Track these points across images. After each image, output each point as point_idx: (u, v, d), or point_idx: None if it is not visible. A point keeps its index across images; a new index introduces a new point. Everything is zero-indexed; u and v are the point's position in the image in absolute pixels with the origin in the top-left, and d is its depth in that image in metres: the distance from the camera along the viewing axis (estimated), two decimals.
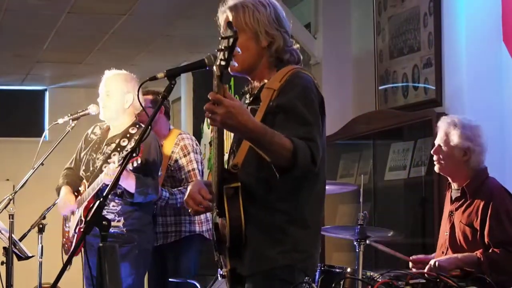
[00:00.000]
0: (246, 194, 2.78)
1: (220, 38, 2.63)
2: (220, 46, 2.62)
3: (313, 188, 2.89)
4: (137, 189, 4.51)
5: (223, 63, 2.60)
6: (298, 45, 3.04)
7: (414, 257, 4.22)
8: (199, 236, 5.33)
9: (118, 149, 4.63)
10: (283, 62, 2.94)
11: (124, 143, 4.65)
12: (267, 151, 2.70)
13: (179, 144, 5.31)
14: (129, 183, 4.51)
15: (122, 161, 4.24)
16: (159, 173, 4.87)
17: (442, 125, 4.13)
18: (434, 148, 4.14)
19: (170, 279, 5.19)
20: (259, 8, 2.93)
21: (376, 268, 4.66)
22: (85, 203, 4.60)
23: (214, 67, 2.64)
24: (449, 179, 4.19)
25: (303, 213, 2.86)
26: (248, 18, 2.90)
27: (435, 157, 4.13)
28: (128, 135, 4.66)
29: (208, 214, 5.41)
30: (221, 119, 2.60)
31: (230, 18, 2.91)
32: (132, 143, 4.62)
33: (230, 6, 2.94)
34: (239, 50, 2.66)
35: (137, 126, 4.71)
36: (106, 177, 4.41)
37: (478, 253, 3.90)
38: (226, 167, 2.79)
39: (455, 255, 3.97)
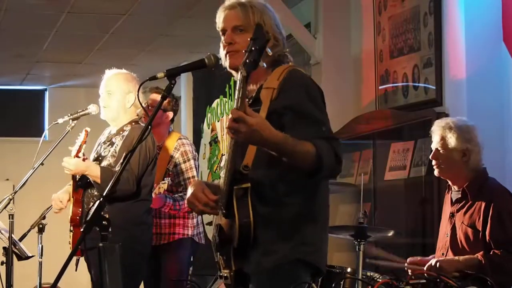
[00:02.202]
0: (256, 192, 2.80)
1: (249, 39, 2.63)
2: (249, 48, 2.63)
3: (319, 183, 2.90)
4: (103, 181, 4.43)
5: (251, 63, 2.61)
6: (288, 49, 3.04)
7: (410, 259, 4.19)
8: (191, 239, 5.37)
9: (110, 146, 4.64)
10: (276, 62, 2.95)
11: (115, 139, 4.64)
12: (291, 159, 2.74)
13: (179, 149, 5.32)
14: (92, 173, 4.48)
15: (122, 161, 4.24)
16: (165, 180, 4.86)
17: (437, 129, 4.14)
18: (432, 153, 4.15)
19: (169, 279, 5.20)
20: (265, 11, 2.95)
21: (376, 268, 4.66)
22: (71, 198, 4.60)
23: (240, 68, 2.64)
24: (448, 181, 4.20)
25: (311, 207, 2.87)
26: (258, 18, 2.90)
27: (434, 162, 4.14)
28: (121, 132, 4.65)
29: (199, 218, 5.46)
30: (245, 136, 2.64)
31: (240, 15, 2.90)
32: (121, 139, 4.59)
33: (239, 3, 2.94)
34: (269, 51, 2.67)
35: (133, 123, 4.68)
36: (66, 171, 4.51)
37: (479, 255, 3.89)
38: (237, 168, 2.79)
39: (457, 257, 3.96)
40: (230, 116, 2.65)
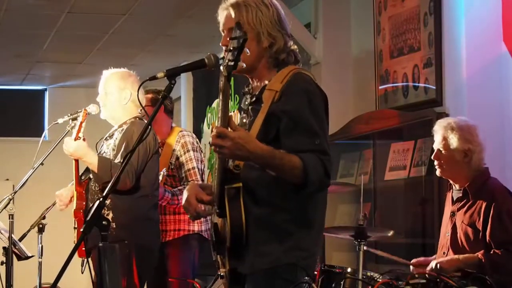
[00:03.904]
0: (249, 193, 2.79)
1: (229, 39, 2.64)
2: (229, 47, 2.64)
3: None
4: (100, 169, 4.43)
5: (231, 63, 2.62)
6: (295, 46, 3.03)
7: (414, 260, 4.20)
8: (198, 235, 5.33)
9: (110, 139, 4.65)
10: (281, 62, 2.94)
11: (115, 133, 4.65)
12: (278, 172, 2.74)
13: (180, 142, 5.31)
14: (89, 160, 4.47)
15: (122, 161, 4.24)
16: (160, 173, 4.85)
17: (439, 129, 4.13)
18: (434, 153, 4.14)
19: (170, 279, 5.19)
20: (261, 8, 2.92)
21: (376, 268, 4.66)
22: (74, 192, 4.60)
23: (221, 67, 2.65)
24: (450, 180, 4.19)
25: (306, 212, 2.85)
26: (251, 18, 2.89)
27: (436, 162, 4.14)
28: (123, 126, 4.65)
29: None
30: (230, 152, 2.65)
31: (233, 16, 2.89)
32: (121, 133, 4.60)
33: (232, 3, 2.92)
34: (248, 51, 2.69)
35: (137, 118, 4.68)
36: (66, 152, 4.49)
37: (479, 254, 3.89)
38: (228, 167, 2.80)
39: (456, 256, 3.96)
40: (213, 133, 2.67)
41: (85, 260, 4.44)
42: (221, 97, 2.70)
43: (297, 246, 2.83)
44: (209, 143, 8.37)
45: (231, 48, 2.63)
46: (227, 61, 2.64)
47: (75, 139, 4.49)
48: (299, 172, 2.70)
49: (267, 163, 2.72)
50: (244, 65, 2.70)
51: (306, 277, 2.87)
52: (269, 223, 2.82)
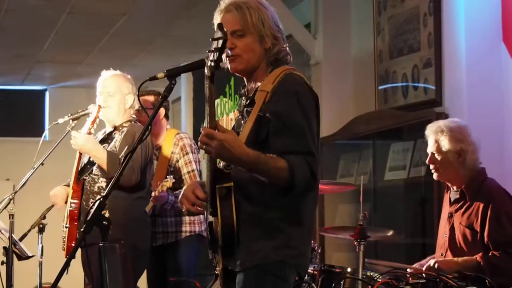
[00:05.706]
0: (240, 191, 2.81)
1: (211, 40, 2.66)
2: (211, 47, 2.65)
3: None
4: (109, 164, 4.44)
5: (212, 64, 2.64)
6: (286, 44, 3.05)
7: (413, 266, 4.18)
8: (199, 236, 5.33)
9: (109, 140, 4.66)
10: (279, 61, 2.95)
11: (114, 134, 4.66)
12: (263, 176, 2.77)
13: (178, 144, 5.31)
14: (98, 154, 4.48)
15: (123, 160, 4.24)
16: (167, 179, 4.88)
17: (430, 133, 4.13)
18: (428, 157, 4.14)
19: (170, 279, 5.19)
20: (262, 9, 2.93)
21: (376, 268, 4.66)
22: (70, 190, 4.61)
23: (205, 68, 2.66)
24: (447, 182, 4.19)
25: (297, 210, 2.87)
26: (255, 20, 2.90)
27: (431, 166, 4.14)
28: (120, 128, 4.68)
29: (205, 214, 5.41)
30: (216, 152, 2.69)
31: (237, 17, 2.89)
32: (121, 135, 4.62)
33: (233, 5, 2.92)
34: (229, 52, 2.75)
35: (133, 122, 4.72)
36: (74, 146, 4.51)
37: (477, 257, 3.88)
38: (219, 166, 2.81)
39: (455, 259, 3.96)
40: (202, 132, 2.70)
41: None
42: (206, 98, 2.71)
43: (287, 244, 2.84)
44: None
45: (213, 49, 2.64)
46: (209, 61, 2.65)
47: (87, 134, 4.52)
48: (285, 175, 2.73)
49: (252, 168, 2.75)
50: (227, 66, 2.73)
51: (297, 277, 2.88)
52: (261, 220, 2.84)
